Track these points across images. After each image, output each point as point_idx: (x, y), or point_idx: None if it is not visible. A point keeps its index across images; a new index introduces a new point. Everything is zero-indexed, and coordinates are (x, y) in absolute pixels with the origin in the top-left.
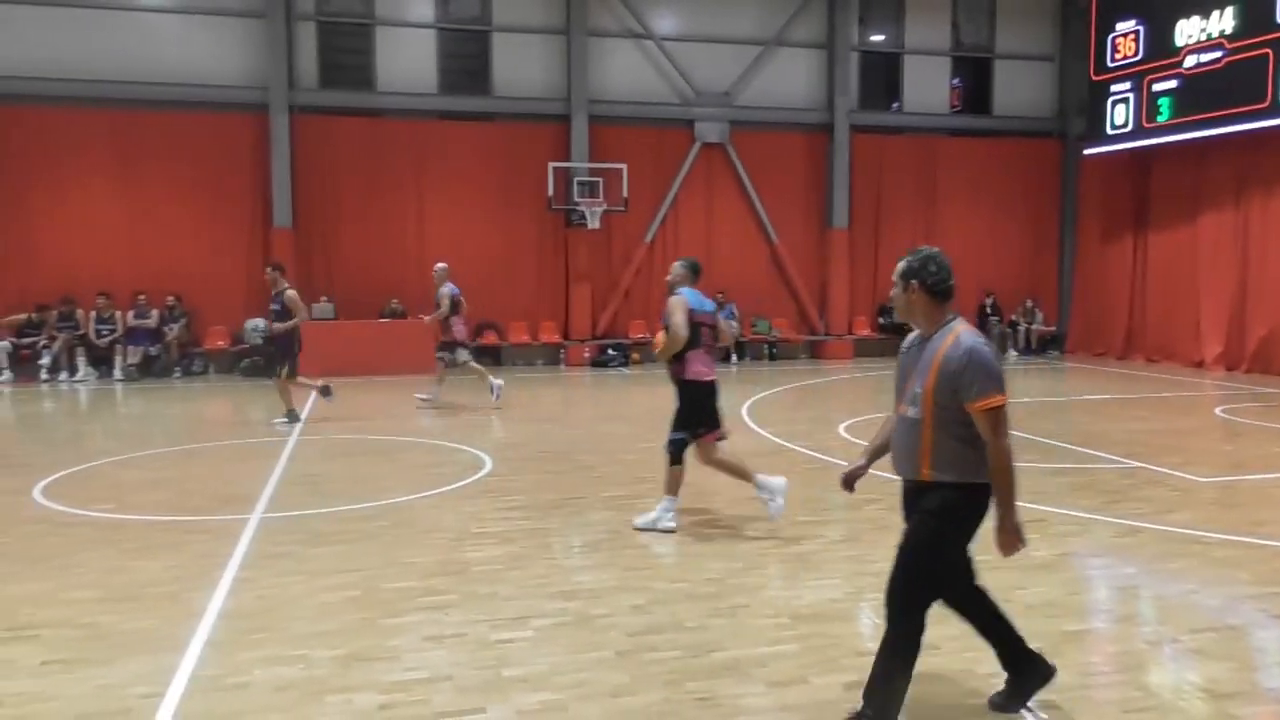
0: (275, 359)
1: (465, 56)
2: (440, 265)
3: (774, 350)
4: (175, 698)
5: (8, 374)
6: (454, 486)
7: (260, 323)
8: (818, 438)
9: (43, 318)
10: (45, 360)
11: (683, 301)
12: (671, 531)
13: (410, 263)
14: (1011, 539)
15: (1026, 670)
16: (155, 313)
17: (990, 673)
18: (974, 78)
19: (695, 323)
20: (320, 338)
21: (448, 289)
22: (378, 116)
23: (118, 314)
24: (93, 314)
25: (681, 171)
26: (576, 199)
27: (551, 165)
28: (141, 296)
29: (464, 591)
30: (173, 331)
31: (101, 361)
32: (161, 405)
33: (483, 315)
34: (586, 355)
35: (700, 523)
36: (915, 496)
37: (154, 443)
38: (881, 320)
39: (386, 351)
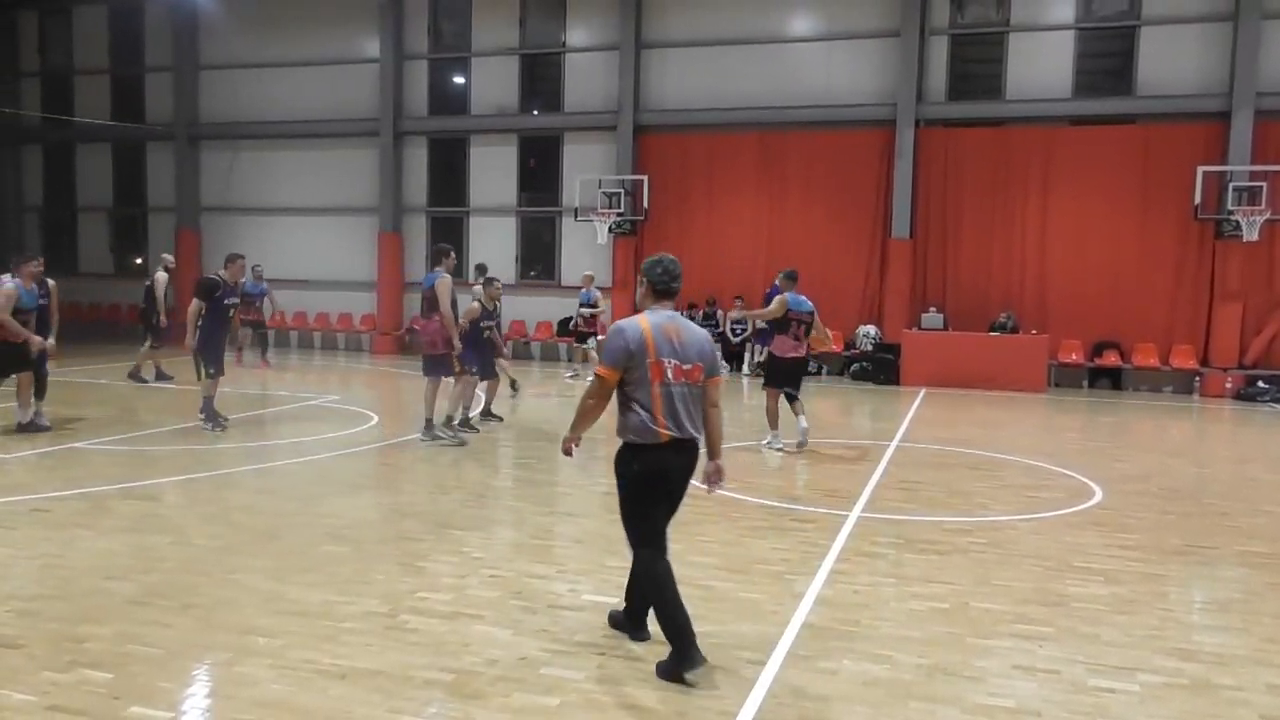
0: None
1: (1106, 55)
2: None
3: None
4: (774, 668)
5: None
6: (1057, 513)
7: (873, 329)
8: None
9: (690, 315)
10: None
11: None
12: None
13: (1029, 275)
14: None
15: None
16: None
17: None
18: None
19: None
20: (927, 348)
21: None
22: (1003, 126)
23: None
24: (730, 314)
25: None
26: (1230, 207)
27: (1201, 169)
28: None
29: (1061, 626)
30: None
31: (734, 358)
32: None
33: (1104, 334)
34: (1228, 386)
35: None
36: None
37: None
38: None
39: (993, 366)
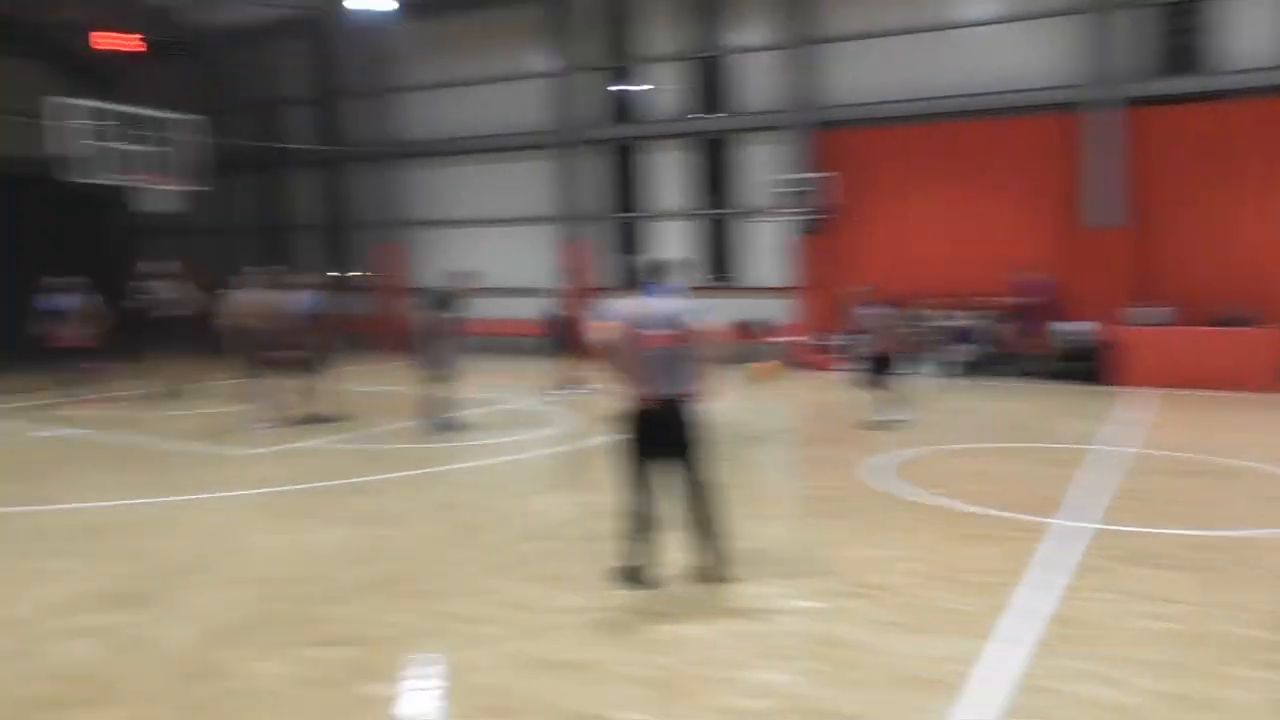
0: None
1: None
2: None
3: None
4: (983, 684)
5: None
6: None
7: (1072, 325)
8: None
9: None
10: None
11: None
12: None
13: (1264, 261)
14: None
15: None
16: (970, 314)
17: None
18: None
19: None
20: (1145, 345)
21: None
22: (1215, 100)
23: (936, 315)
24: (915, 314)
25: None
26: None
27: None
28: (957, 298)
29: None
30: (1000, 332)
31: (931, 358)
32: (978, 403)
33: None
34: None
35: None
36: None
37: (975, 437)
38: None
39: (1224, 363)
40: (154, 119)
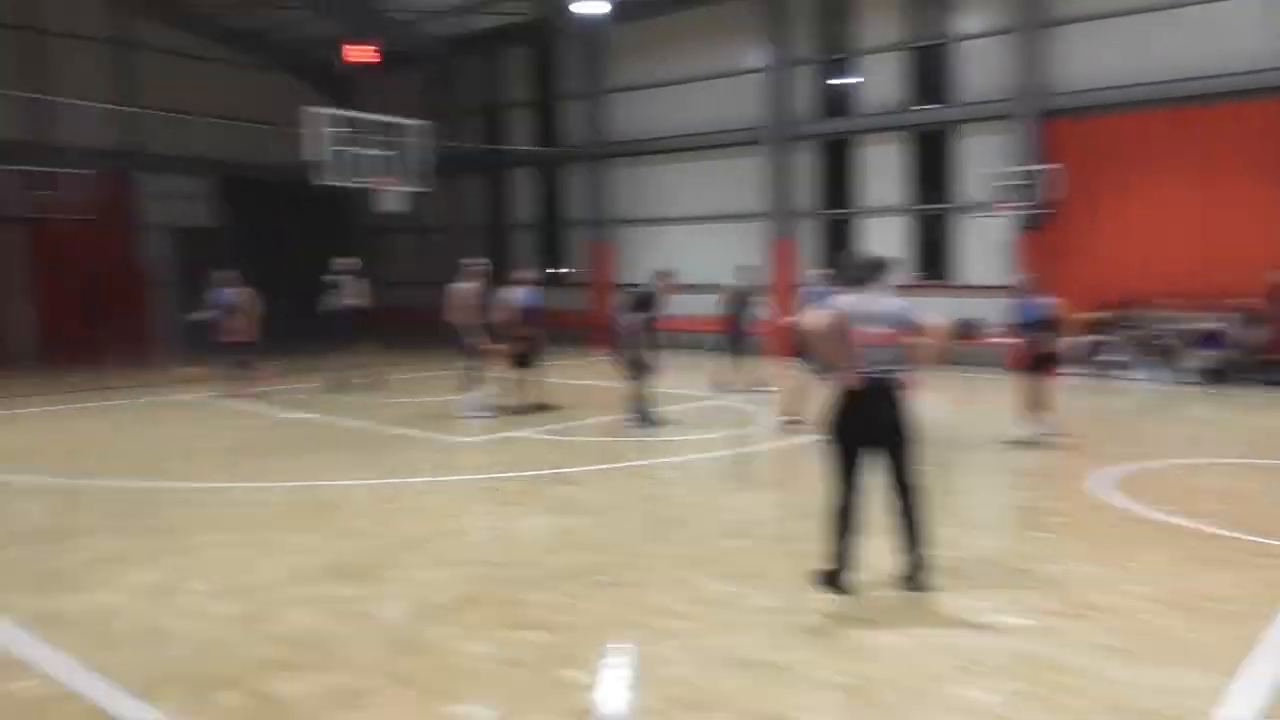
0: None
1: None
2: None
3: None
4: None
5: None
6: None
7: None
8: None
9: (1110, 316)
10: (1111, 358)
11: None
12: None
13: None
14: None
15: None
16: (1218, 316)
17: None
18: None
19: None
20: None
21: None
22: None
23: (1184, 316)
24: (1159, 315)
25: None
26: None
27: None
28: (1209, 299)
29: None
30: (1251, 337)
31: (1168, 363)
32: (1228, 414)
33: None
34: None
35: None
36: None
37: (1223, 451)
38: None
39: None
40: (388, 124)
